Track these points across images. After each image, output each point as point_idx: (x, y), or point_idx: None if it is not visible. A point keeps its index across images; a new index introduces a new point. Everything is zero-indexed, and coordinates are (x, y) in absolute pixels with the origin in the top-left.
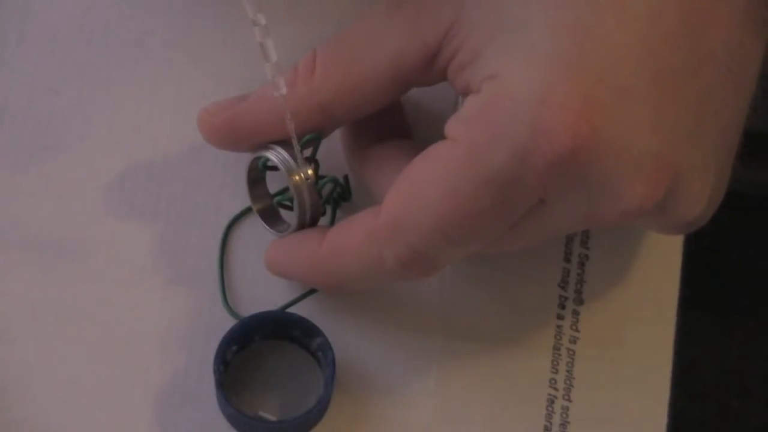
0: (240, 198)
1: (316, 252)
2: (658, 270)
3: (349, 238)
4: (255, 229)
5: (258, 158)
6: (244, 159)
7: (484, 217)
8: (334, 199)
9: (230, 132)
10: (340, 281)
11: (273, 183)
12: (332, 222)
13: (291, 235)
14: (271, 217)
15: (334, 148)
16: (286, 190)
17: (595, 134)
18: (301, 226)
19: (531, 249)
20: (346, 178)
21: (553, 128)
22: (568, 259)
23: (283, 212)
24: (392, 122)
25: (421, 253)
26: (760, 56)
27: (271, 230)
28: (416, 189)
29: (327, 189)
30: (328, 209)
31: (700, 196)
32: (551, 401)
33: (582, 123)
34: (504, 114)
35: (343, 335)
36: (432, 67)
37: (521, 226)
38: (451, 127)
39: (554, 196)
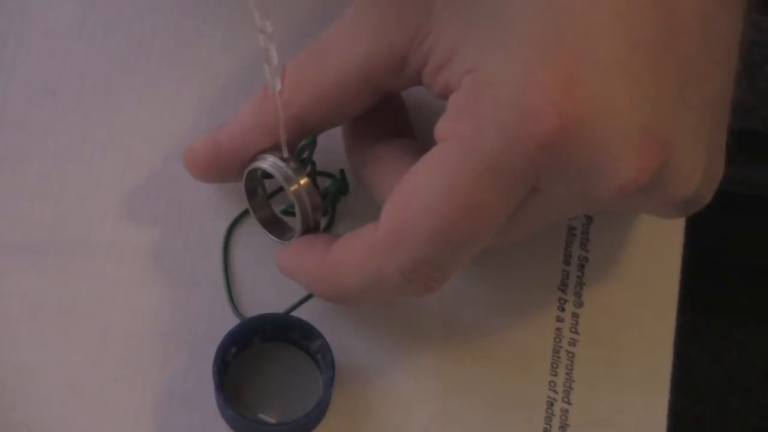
0: (240, 199)
1: (320, 264)
2: (658, 271)
3: (351, 253)
4: (254, 231)
5: (255, 169)
6: None
7: (483, 211)
8: (332, 193)
9: (215, 161)
10: (341, 295)
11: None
12: (332, 218)
13: (298, 240)
14: (274, 225)
15: (328, 143)
16: (282, 189)
17: (581, 110)
18: (306, 230)
19: (535, 235)
20: (342, 172)
21: (539, 108)
22: (567, 262)
23: (286, 218)
24: (394, 122)
25: (423, 261)
26: (737, 30)
27: (276, 239)
28: (413, 195)
29: (327, 186)
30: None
31: (694, 169)
32: (551, 404)
33: (566, 100)
34: (488, 102)
35: (343, 337)
36: (402, 72)
37: (520, 215)
38: (440, 128)
39: (548, 179)
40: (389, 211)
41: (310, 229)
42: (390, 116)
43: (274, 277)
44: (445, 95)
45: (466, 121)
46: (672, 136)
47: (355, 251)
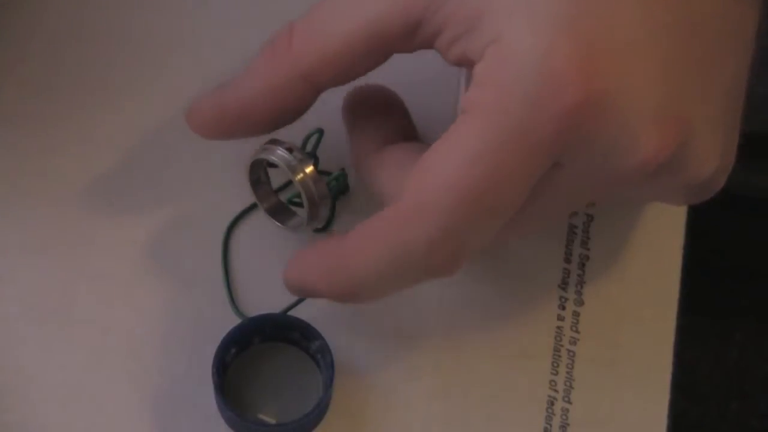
0: (240, 199)
1: (336, 257)
2: (658, 271)
3: (370, 235)
4: (254, 231)
5: (259, 160)
6: (244, 159)
7: (505, 181)
8: (333, 192)
9: (220, 120)
10: (360, 286)
11: (276, 178)
12: (332, 217)
13: (306, 248)
14: (280, 213)
15: (328, 142)
16: (289, 183)
17: (606, 83)
18: (313, 218)
19: (552, 226)
20: (343, 170)
21: (564, 80)
22: (568, 260)
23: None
24: (398, 125)
25: (447, 232)
26: (752, 21)
27: (282, 226)
28: (436, 166)
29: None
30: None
31: (712, 152)
32: (551, 403)
33: (591, 74)
34: (513, 73)
35: (342, 338)
36: (415, 36)
37: (541, 196)
38: (464, 102)
39: (571, 151)
40: (412, 185)
41: (317, 217)
42: (393, 120)
43: (274, 277)
44: (459, 63)
45: (489, 91)
46: (693, 116)
47: (375, 232)
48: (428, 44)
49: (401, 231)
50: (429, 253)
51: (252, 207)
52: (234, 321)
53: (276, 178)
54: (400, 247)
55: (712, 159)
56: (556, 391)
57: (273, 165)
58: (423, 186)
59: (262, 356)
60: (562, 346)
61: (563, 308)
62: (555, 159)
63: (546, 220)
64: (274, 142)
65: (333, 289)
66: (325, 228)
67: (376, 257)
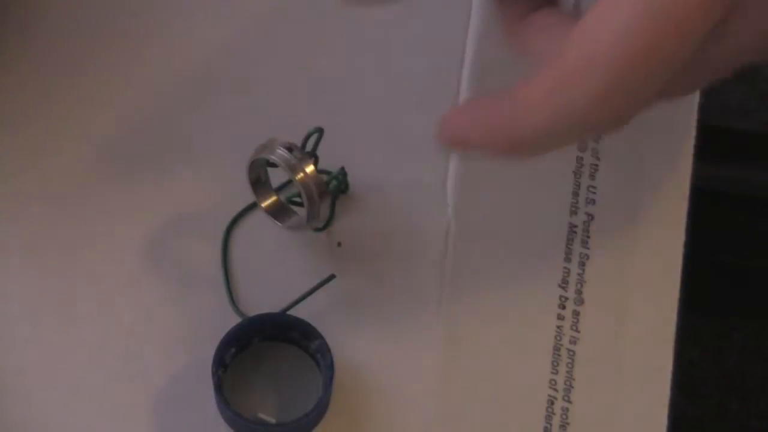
0: (240, 199)
1: (502, 117)
2: (658, 270)
3: (537, 91)
4: (254, 231)
5: (259, 159)
6: (244, 159)
7: (677, 34)
8: (333, 192)
9: None
10: (527, 142)
11: (276, 178)
12: (332, 216)
13: (465, 105)
14: (280, 212)
15: (328, 142)
16: (289, 182)
17: None
18: (313, 217)
19: (715, 81)
20: (343, 169)
21: None
22: (568, 259)
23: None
24: None
25: (617, 84)
26: None
27: (282, 225)
28: (604, 21)
29: (330, 184)
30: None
31: None
32: (551, 402)
33: None
34: None
35: (343, 337)
36: None
37: (710, 49)
38: None
39: (742, 7)
40: (578, 39)
41: (317, 215)
42: None
43: (274, 276)
44: None
45: None
46: None
47: (541, 89)
48: None
49: (569, 86)
50: (597, 108)
51: (252, 206)
52: (234, 320)
53: (276, 178)
54: (570, 103)
55: None
56: (556, 390)
57: (273, 164)
58: (591, 40)
59: (262, 356)
60: (562, 345)
61: (563, 308)
62: (726, 10)
63: (711, 75)
64: (274, 141)
65: (495, 146)
66: (325, 227)
67: (543, 115)
